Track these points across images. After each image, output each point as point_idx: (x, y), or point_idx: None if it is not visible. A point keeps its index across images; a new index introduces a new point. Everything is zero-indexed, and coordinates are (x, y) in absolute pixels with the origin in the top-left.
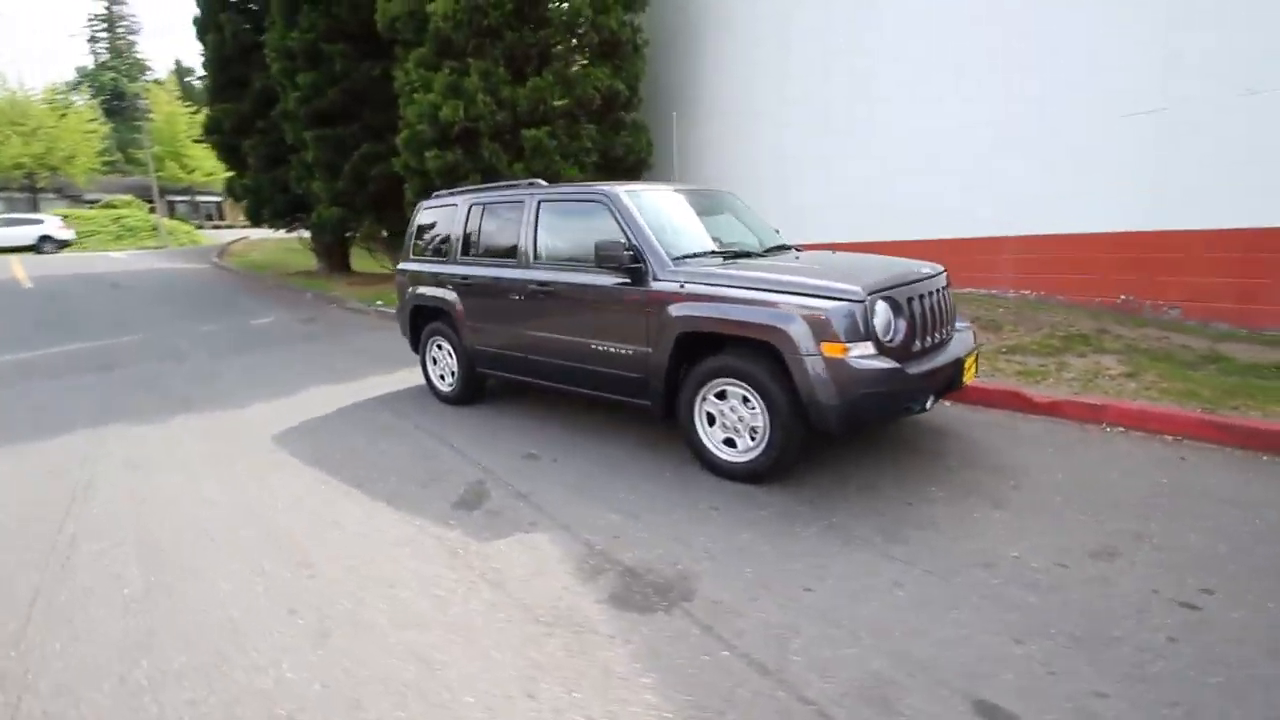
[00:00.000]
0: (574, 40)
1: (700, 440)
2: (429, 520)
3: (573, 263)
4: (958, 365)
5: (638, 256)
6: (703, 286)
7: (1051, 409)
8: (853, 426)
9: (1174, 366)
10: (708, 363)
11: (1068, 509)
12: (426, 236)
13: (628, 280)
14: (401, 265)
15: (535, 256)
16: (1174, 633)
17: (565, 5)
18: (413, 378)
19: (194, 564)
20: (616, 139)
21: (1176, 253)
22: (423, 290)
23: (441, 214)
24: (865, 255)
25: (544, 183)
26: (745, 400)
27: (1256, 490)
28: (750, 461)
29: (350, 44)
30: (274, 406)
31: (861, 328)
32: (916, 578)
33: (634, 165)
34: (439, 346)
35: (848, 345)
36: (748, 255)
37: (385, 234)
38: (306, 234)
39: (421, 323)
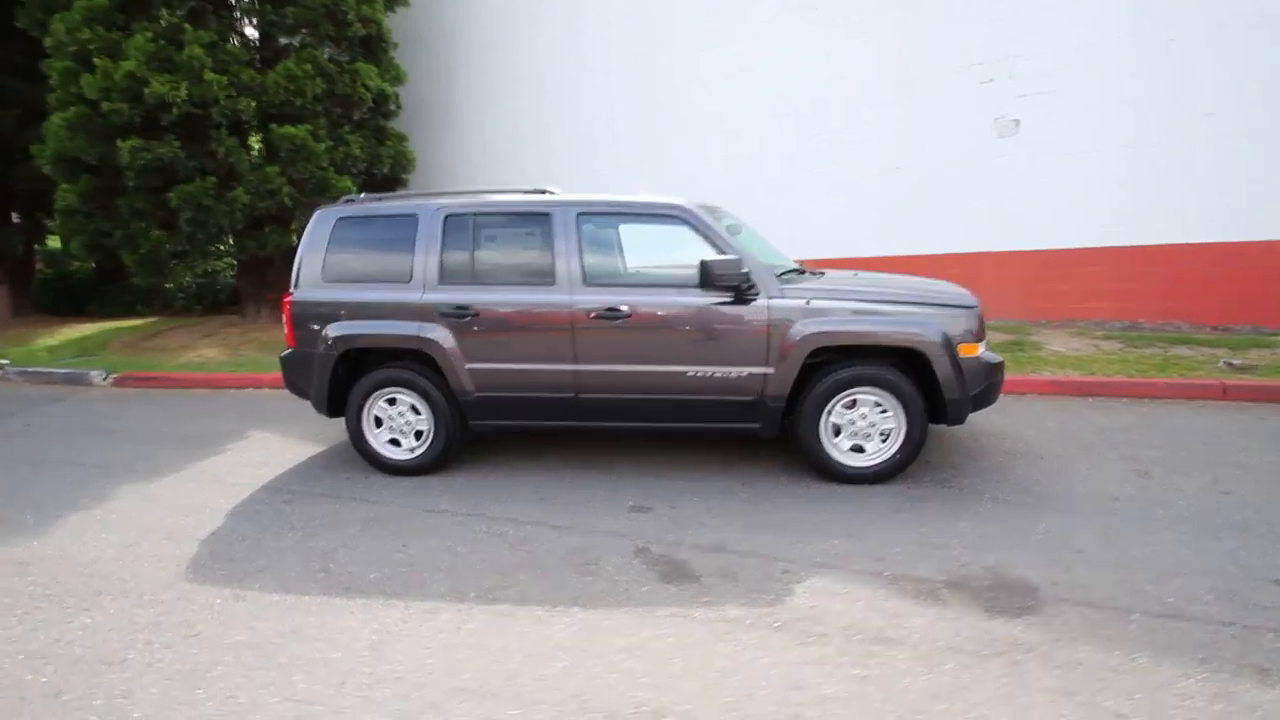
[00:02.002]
0: (333, 28)
1: (827, 451)
2: (674, 613)
3: (648, 284)
4: None
5: (747, 275)
6: (830, 302)
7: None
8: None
9: None
10: (840, 374)
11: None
12: (350, 257)
13: (727, 299)
14: (300, 296)
15: (584, 278)
16: None
17: None
18: (250, 455)
19: None
20: (381, 149)
21: None
22: (361, 328)
23: (380, 227)
24: (893, 274)
25: (556, 190)
26: (879, 406)
27: None
28: (884, 463)
29: None
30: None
31: (979, 329)
32: None
33: (387, 182)
34: (390, 401)
35: (977, 345)
36: (799, 272)
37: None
38: None
39: (352, 372)
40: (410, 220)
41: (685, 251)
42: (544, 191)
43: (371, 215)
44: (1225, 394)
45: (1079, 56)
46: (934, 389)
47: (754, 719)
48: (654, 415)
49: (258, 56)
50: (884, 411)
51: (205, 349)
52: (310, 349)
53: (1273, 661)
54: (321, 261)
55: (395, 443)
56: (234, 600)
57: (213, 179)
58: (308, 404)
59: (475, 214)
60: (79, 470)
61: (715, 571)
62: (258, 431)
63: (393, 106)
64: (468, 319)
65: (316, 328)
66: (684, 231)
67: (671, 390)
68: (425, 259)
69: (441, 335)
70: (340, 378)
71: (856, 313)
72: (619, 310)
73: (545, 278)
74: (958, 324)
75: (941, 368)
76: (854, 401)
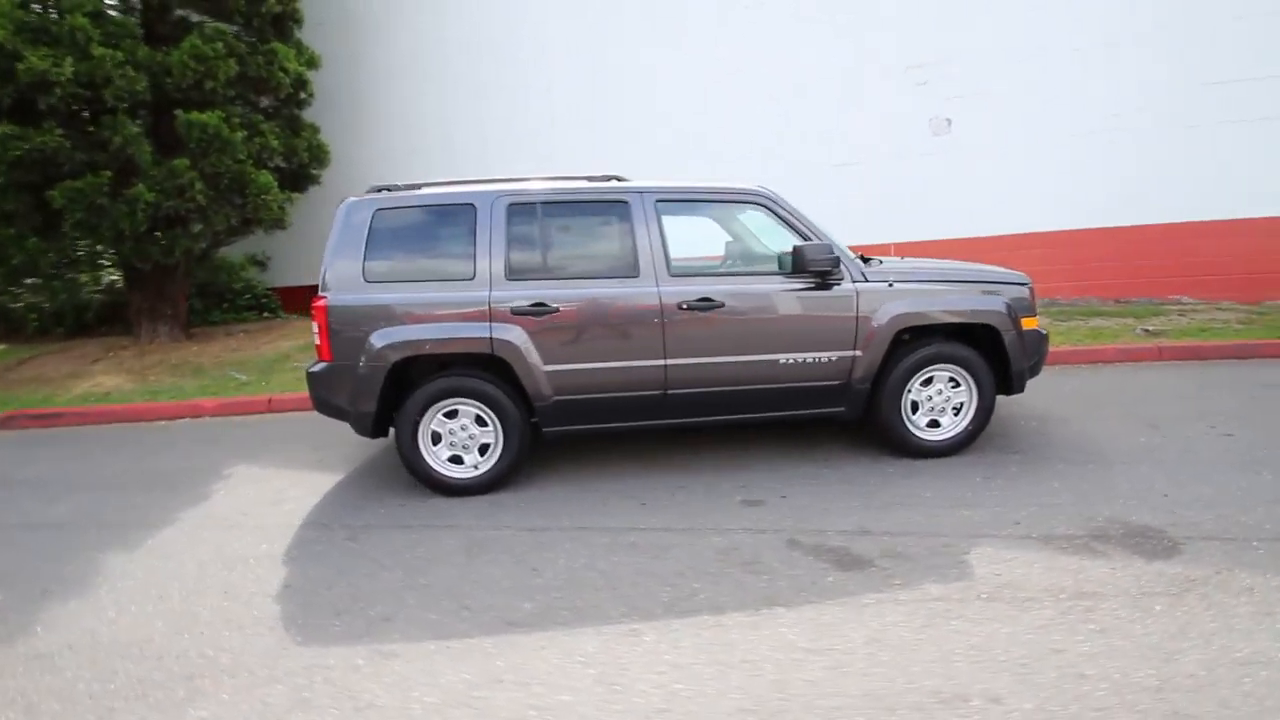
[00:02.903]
0: (244, 2)
1: (908, 428)
2: (880, 599)
3: (732, 272)
4: None
5: (837, 260)
6: (909, 284)
7: None
8: None
9: None
10: (922, 352)
11: None
12: (396, 253)
13: (814, 284)
14: (338, 300)
15: (669, 268)
16: None
17: None
18: (253, 490)
19: None
20: (296, 141)
21: None
22: (420, 333)
23: (430, 219)
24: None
25: (625, 178)
26: (952, 381)
27: None
28: (958, 435)
29: None
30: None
31: (1034, 304)
32: None
33: (300, 179)
34: (450, 414)
35: (1036, 319)
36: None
37: None
38: None
39: (403, 384)
40: (466, 211)
41: (765, 237)
42: (611, 178)
43: (420, 206)
44: (1160, 355)
45: (1001, 64)
46: (1002, 362)
47: (1048, 688)
48: (743, 407)
49: (150, 32)
50: (956, 386)
51: (103, 377)
52: (352, 361)
53: None
54: (361, 260)
55: (456, 460)
56: (381, 657)
57: (107, 174)
58: (275, 430)
59: (543, 202)
60: (34, 534)
61: (881, 554)
62: (238, 465)
63: (307, 94)
64: (546, 317)
65: (360, 336)
66: (761, 217)
67: (763, 380)
68: (490, 253)
69: (516, 336)
70: (390, 392)
71: (934, 294)
72: (711, 300)
73: (627, 269)
74: (1020, 300)
75: (1010, 341)
76: (930, 379)
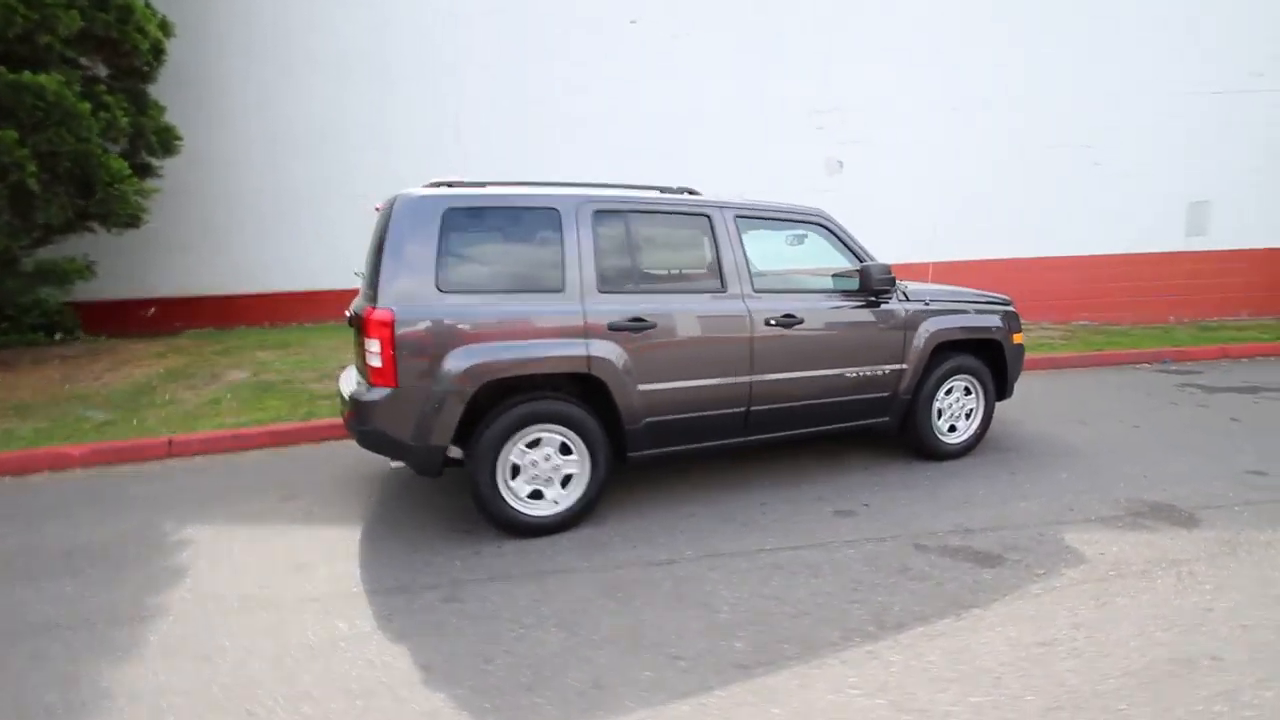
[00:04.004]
0: None
1: (935, 434)
2: (1042, 589)
3: (802, 289)
4: None
5: (894, 279)
6: (941, 303)
7: None
8: None
9: None
10: (948, 364)
11: None
12: (472, 258)
13: (868, 302)
14: (409, 313)
15: (753, 284)
16: None
17: None
18: (257, 557)
19: None
20: (144, 120)
21: None
22: (510, 352)
23: (511, 222)
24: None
25: (699, 191)
26: (967, 390)
27: None
28: (970, 438)
29: None
30: None
31: (1019, 322)
32: None
33: (144, 167)
34: (532, 444)
35: (1020, 334)
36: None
37: None
38: None
39: (477, 412)
40: (548, 215)
41: (822, 256)
42: (687, 191)
43: (496, 207)
44: (1057, 364)
45: (890, 116)
46: (998, 371)
47: (1239, 642)
48: (810, 421)
49: None
50: (968, 394)
51: None
52: (423, 386)
53: None
54: (433, 267)
55: (536, 495)
56: None
57: None
58: (199, 479)
59: (630, 211)
60: (20, 643)
61: (1001, 548)
62: (188, 528)
63: (159, 64)
64: (643, 333)
65: (435, 356)
66: (820, 236)
67: (831, 393)
68: (580, 262)
69: (613, 353)
70: (466, 421)
71: (958, 312)
72: (793, 316)
73: (715, 283)
74: (1009, 316)
75: (1009, 353)
76: (950, 388)
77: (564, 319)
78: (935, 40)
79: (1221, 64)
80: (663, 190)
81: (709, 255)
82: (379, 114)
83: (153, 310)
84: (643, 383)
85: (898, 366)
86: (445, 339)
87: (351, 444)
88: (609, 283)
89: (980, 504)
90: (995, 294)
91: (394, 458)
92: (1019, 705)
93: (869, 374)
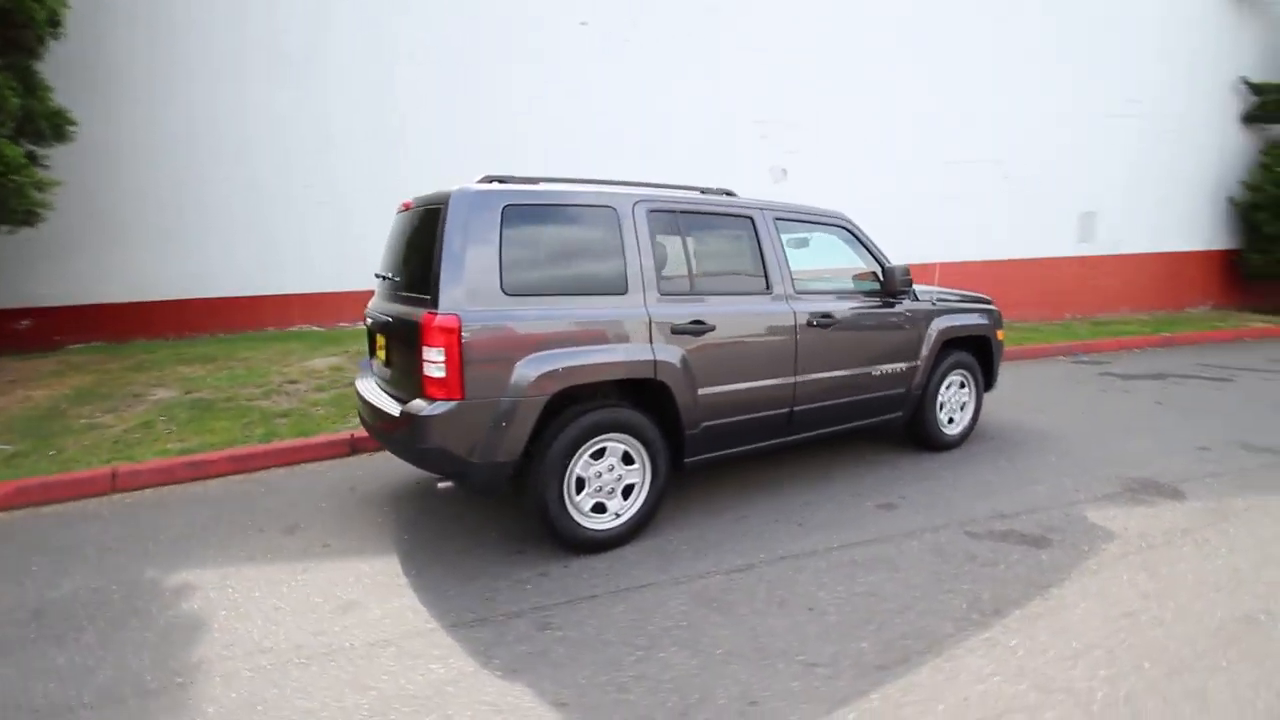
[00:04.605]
0: None
1: (937, 426)
2: (1097, 565)
3: (831, 290)
4: None
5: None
6: (944, 303)
7: None
8: None
9: None
10: (949, 360)
11: None
12: (534, 260)
13: (889, 302)
14: (476, 317)
15: (794, 286)
16: None
17: None
18: (293, 599)
19: None
20: (34, 102)
21: None
22: (579, 358)
23: (571, 221)
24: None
25: (735, 193)
26: (962, 384)
27: None
28: (964, 430)
29: None
30: None
31: (1000, 320)
32: None
33: (29, 155)
34: (596, 454)
35: (1002, 330)
36: None
37: None
38: None
39: (548, 421)
40: (605, 214)
41: (844, 257)
42: (725, 192)
43: (554, 204)
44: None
45: (821, 127)
46: (985, 365)
47: (1269, 598)
48: (842, 419)
49: None
50: (963, 387)
51: None
52: (491, 397)
53: None
54: (497, 267)
55: (599, 508)
56: None
57: None
58: (164, 517)
59: (681, 211)
60: None
61: (1041, 530)
62: (183, 573)
63: (52, 38)
64: (703, 336)
65: (504, 364)
66: (841, 238)
67: (860, 390)
68: (640, 263)
69: (676, 357)
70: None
71: (958, 311)
72: (831, 316)
73: (760, 284)
74: (995, 317)
75: (996, 349)
76: (950, 383)
77: (630, 322)
78: (865, 61)
79: (1093, 91)
80: (703, 191)
81: (754, 257)
82: (318, 107)
83: (27, 322)
84: (701, 386)
85: (913, 363)
86: (516, 345)
87: (335, 466)
88: (666, 284)
89: (1000, 490)
90: (979, 294)
91: (451, 477)
92: (1144, 674)
93: (890, 371)
